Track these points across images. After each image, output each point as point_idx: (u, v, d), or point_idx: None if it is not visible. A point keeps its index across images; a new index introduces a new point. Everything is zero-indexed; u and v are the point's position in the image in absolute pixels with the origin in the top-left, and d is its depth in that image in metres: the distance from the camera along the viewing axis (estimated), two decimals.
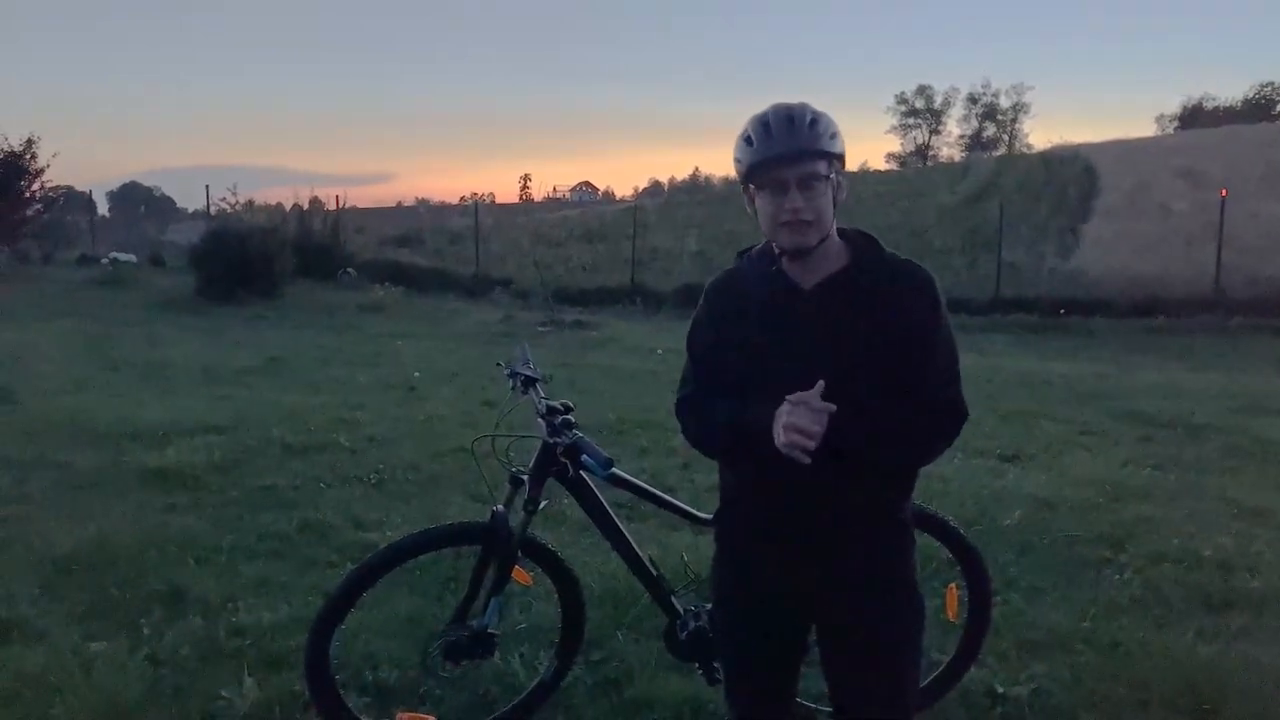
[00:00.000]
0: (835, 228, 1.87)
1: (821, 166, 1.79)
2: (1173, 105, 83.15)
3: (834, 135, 1.81)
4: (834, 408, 1.69)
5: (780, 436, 1.70)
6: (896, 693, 1.95)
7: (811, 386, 1.72)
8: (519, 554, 2.76)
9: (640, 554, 2.89)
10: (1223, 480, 5.84)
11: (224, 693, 3.03)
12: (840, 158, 1.84)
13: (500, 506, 2.73)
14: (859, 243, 1.90)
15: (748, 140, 1.81)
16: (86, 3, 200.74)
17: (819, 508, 1.86)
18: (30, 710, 2.94)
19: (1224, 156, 24.44)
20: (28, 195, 22.04)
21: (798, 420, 1.68)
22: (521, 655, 3.27)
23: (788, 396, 1.71)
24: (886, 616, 1.92)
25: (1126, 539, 4.62)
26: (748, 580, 2.01)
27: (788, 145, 1.78)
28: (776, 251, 1.86)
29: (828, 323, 1.82)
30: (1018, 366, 10.55)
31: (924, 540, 3.04)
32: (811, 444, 1.67)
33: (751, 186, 1.84)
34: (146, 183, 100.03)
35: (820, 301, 1.84)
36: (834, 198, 1.83)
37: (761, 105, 1.85)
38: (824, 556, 1.90)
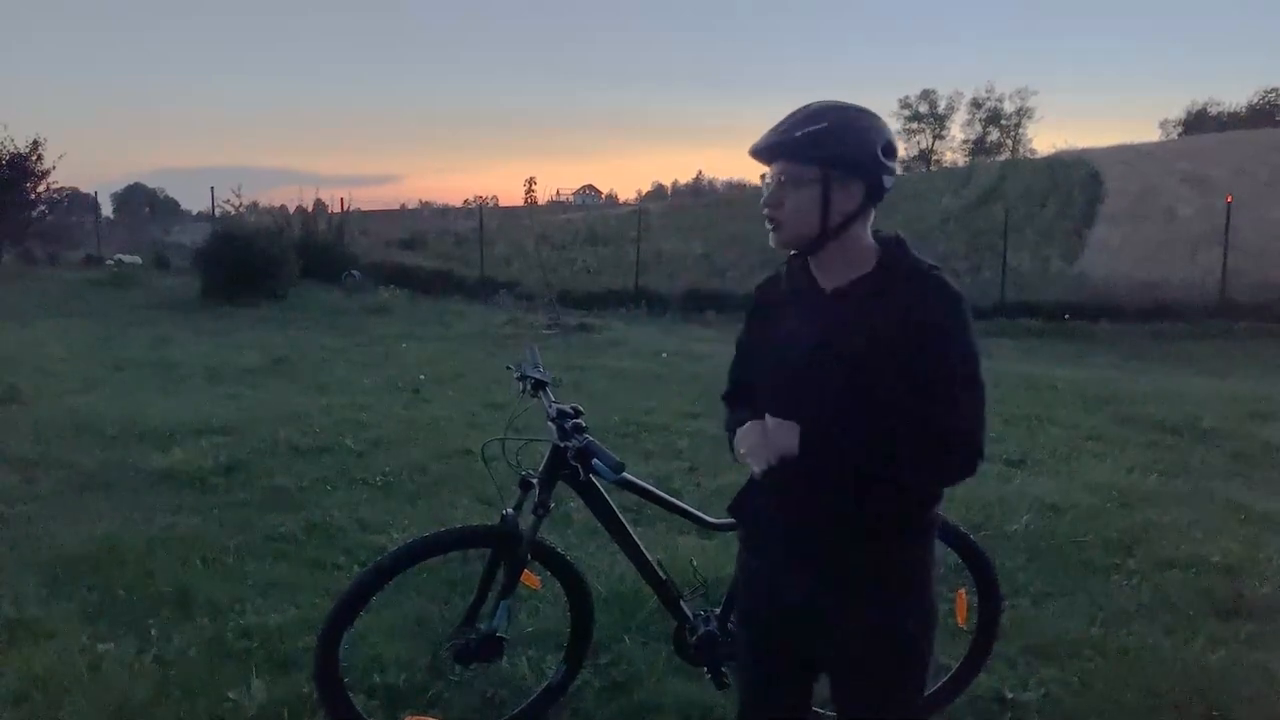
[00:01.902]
0: (865, 231, 1.82)
1: (798, 170, 1.76)
2: (1177, 110, 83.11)
3: (819, 140, 1.75)
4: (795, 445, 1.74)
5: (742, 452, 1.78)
6: (902, 703, 1.93)
7: (817, 391, 1.76)
8: (528, 557, 2.76)
9: (649, 558, 2.88)
10: (1230, 486, 5.83)
11: (232, 694, 3.02)
12: (836, 163, 1.76)
13: (510, 510, 2.73)
14: (888, 248, 1.83)
15: None
16: (91, 3, 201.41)
17: (821, 515, 1.83)
18: (38, 711, 2.94)
19: (1229, 162, 24.46)
20: (33, 196, 22.12)
21: (763, 444, 1.75)
22: (529, 658, 3.27)
23: (766, 420, 1.77)
24: (892, 627, 1.87)
25: (1134, 544, 4.61)
26: (759, 582, 2.00)
27: (762, 140, 1.81)
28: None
29: (839, 328, 1.78)
30: (1023, 371, 10.53)
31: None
32: (758, 467, 1.75)
33: None
34: (151, 184, 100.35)
35: (834, 306, 1.81)
36: (827, 203, 1.76)
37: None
38: (828, 564, 1.87)
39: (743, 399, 1.99)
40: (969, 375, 1.73)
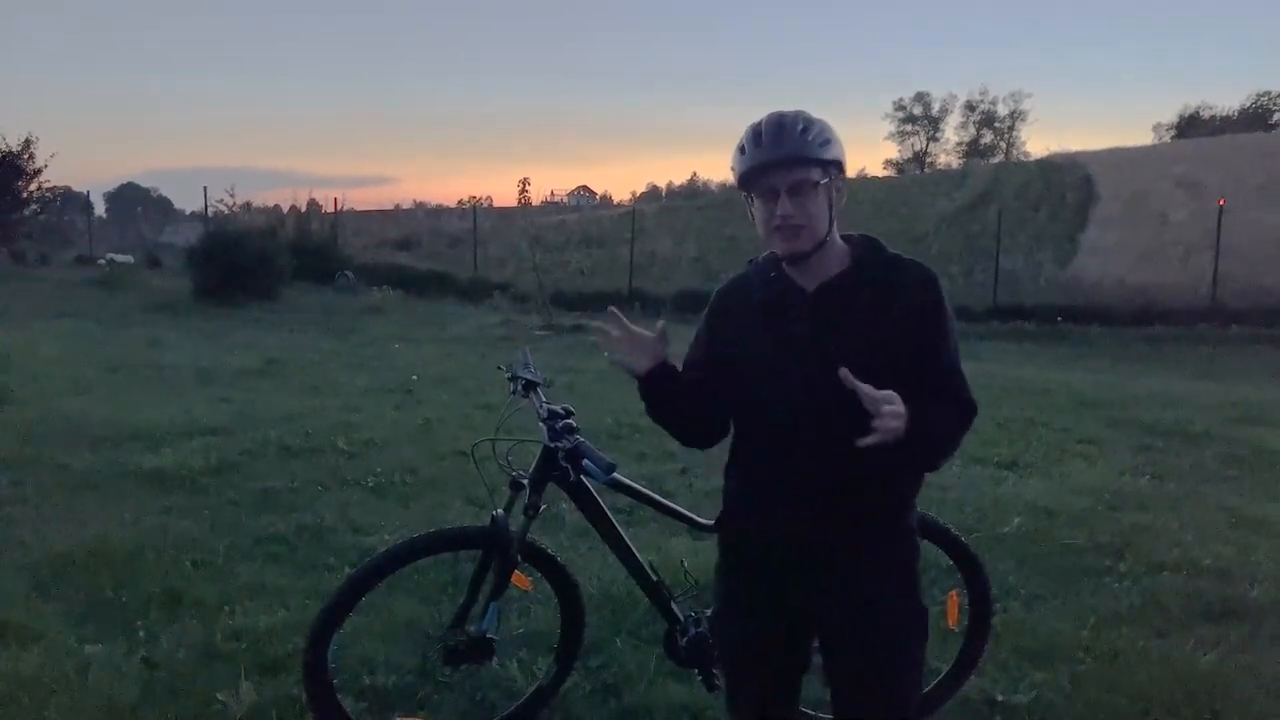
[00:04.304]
0: (838, 233, 1.89)
1: (813, 173, 1.81)
2: (1170, 114, 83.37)
3: (827, 142, 1.83)
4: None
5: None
6: (897, 702, 1.95)
7: (814, 386, 1.80)
8: (519, 559, 2.75)
9: (640, 559, 2.88)
10: (1221, 489, 5.84)
11: (220, 696, 3.00)
12: (837, 164, 1.86)
13: (500, 511, 2.72)
14: (862, 246, 1.92)
15: (741, 149, 1.85)
16: (86, 3, 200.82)
17: (825, 514, 1.86)
18: (25, 713, 2.91)
19: (1222, 166, 24.53)
20: (25, 196, 22.06)
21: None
22: (520, 660, 3.25)
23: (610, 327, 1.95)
24: (889, 625, 1.92)
25: (1125, 547, 4.62)
26: (751, 589, 2.00)
27: (776, 152, 1.80)
28: (777, 257, 1.90)
29: (830, 322, 1.85)
30: (1015, 374, 10.56)
31: (925, 547, 3.04)
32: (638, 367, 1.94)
33: (748, 193, 1.88)
34: (144, 184, 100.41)
35: (822, 302, 1.87)
36: (830, 203, 1.85)
37: (760, 111, 1.88)
38: (829, 565, 1.90)
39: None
40: (956, 345, 1.90)
